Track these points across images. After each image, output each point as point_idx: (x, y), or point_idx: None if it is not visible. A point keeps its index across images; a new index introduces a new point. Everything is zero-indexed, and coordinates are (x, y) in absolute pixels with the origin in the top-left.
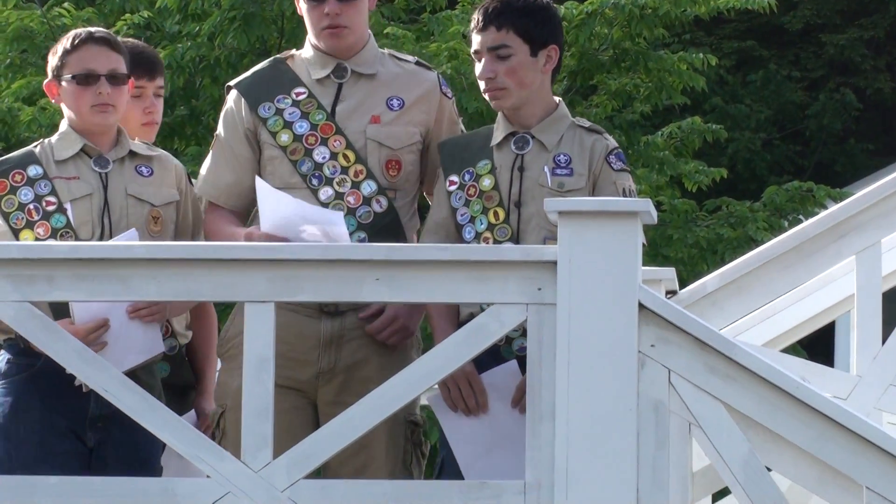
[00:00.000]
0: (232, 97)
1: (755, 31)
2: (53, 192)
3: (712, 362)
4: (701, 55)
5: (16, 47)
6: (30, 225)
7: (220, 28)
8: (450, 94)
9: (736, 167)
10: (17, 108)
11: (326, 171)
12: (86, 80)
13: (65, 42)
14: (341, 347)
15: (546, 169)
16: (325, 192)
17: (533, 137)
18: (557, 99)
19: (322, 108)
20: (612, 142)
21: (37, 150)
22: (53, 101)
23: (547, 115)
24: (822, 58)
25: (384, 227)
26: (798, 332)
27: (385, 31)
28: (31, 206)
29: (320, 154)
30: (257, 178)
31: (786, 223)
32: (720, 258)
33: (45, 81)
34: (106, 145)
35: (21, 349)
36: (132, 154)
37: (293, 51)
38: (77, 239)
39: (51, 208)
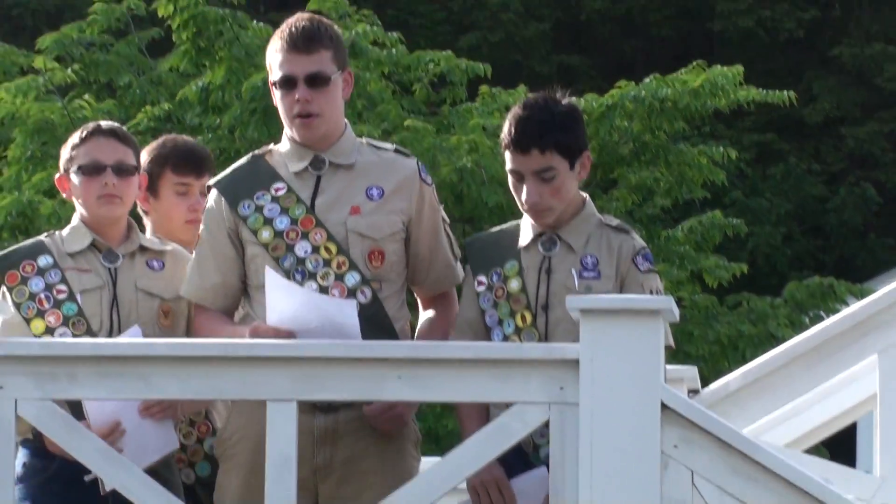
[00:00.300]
0: (212, 196)
1: (775, 124)
2: (64, 281)
3: (735, 463)
4: (721, 149)
5: (36, 140)
6: (40, 314)
7: (240, 121)
8: (429, 181)
9: (756, 262)
10: (38, 200)
11: (309, 266)
12: (92, 170)
13: (75, 136)
14: (336, 443)
15: (574, 272)
16: (309, 287)
17: (560, 238)
18: (584, 195)
19: (301, 202)
20: (639, 242)
21: (46, 240)
22: (65, 195)
23: (575, 215)
24: (842, 151)
25: (369, 318)
26: (821, 433)
27: (405, 124)
28: (42, 295)
29: (302, 248)
30: (267, 269)
31: (807, 319)
32: (741, 355)
33: (57, 176)
34: (115, 240)
35: (38, 450)
36: (143, 248)
37: (272, 146)
38: (89, 327)
39: (62, 296)
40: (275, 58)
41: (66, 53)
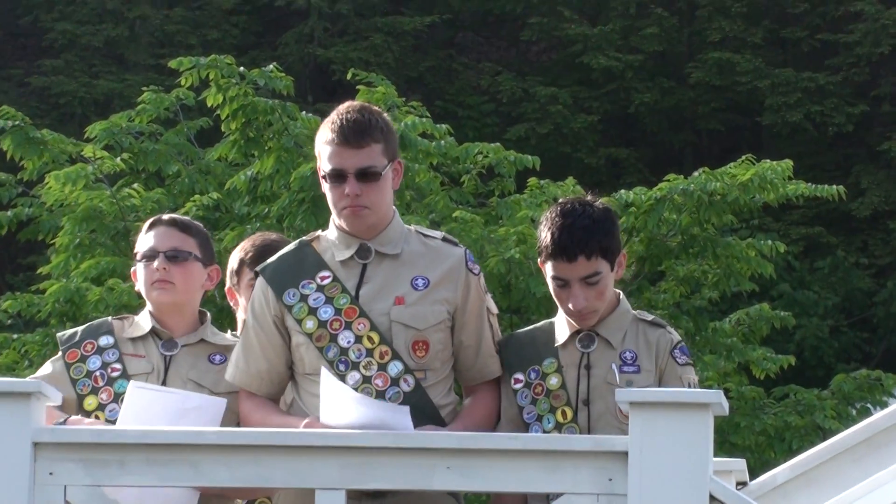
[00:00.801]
0: (259, 284)
1: (823, 218)
2: (120, 360)
3: None
4: (769, 242)
5: (85, 227)
6: (94, 391)
7: (288, 210)
8: (476, 271)
9: (803, 354)
10: (86, 287)
11: (352, 356)
12: (147, 257)
13: (144, 227)
14: None
15: (614, 367)
16: (353, 377)
17: (598, 335)
18: (618, 291)
19: (346, 292)
20: (675, 335)
21: (115, 322)
22: (136, 287)
23: (610, 312)
24: (889, 244)
25: (413, 406)
26: None
27: (454, 215)
28: (98, 374)
29: (345, 339)
30: (323, 371)
31: (854, 412)
32: (788, 446)
33: (132, 269)
34: (178, 329)
35: None
36: (204, 341)
37: (319, 232)
38: None
39: (115, 374)
40: (324, 149)
41: (115, 142)
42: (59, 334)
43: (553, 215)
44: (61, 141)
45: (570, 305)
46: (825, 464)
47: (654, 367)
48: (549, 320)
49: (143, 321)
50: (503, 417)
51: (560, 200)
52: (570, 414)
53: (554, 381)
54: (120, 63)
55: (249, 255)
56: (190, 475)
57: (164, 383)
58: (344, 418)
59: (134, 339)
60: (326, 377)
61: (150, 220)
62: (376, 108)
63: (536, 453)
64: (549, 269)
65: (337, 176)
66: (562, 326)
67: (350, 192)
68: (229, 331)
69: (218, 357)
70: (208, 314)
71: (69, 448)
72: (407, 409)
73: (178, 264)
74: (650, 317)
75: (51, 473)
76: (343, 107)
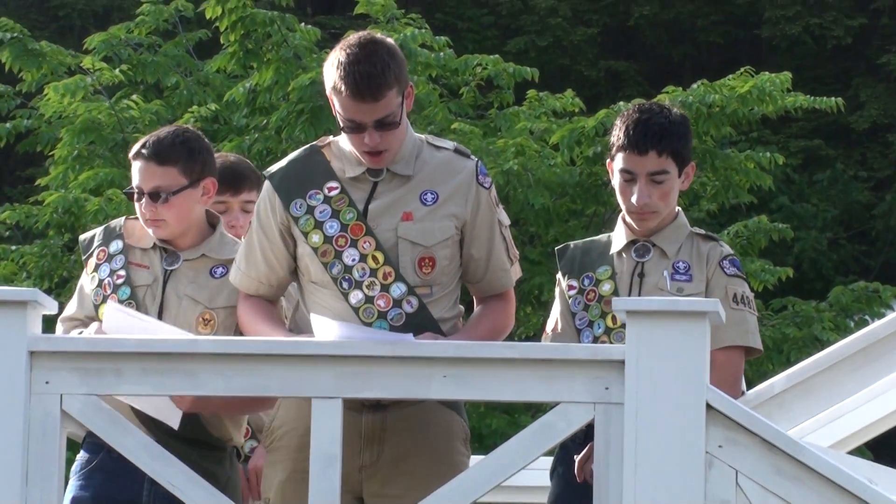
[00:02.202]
0: (267, 189)
1: (822, 131)
2: (125, 268)
3: (780, 464)
4: (768, 154)
5: (84, 139)
6: (105, 300)
7: (287, 122)
8: (487, 184)
9: (802, 267)
10: (84, 198)
11: (356, 275)
12: (135, 196)
13: (132, 150)
14: (384, 442)
15: (665, 274)
16: (356, 296)
17: (653, 245)
18: (678, 208)
19: (353, 207)
20: (726, 248)
21: (128, 224)
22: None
23: (669, 223)
24: (889, 157)
25: (416, 326)
26: (865, 434)
27: (452, 127)
28: (106, 282)
29: (350, 256)
30: (313, 315)
31: (852, 323)
32: (786, 358)
33: None
34: (183, 244)
35: (90, 445)
36: (205, 256)
37: (331, 138)
38: (138, 309)
39: (119, 281)
40: (338, 97)
41: (114, 54)
42: (80, 237)
43: (630, 111)
44: (60, 53)
45: (634, 200)
46: (822, 373)
47: (704, 277)
48: (606, 234)
49: (148, 234)
50: (554, 315)
51: (639, 102)
52: (620, 319)
53: (606, 287)
54: None
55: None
56: (186, 384)
57: (162, 298)
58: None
59: (143, 249)
60: (318, 321)
61: (136, 145)
62: (383, 40)
63: (533, 362)
64: (618, 162)
65: (354, 127)
66: (619, 236)
67: (370, 142)
68: (224, 217)
69: (220, 270)
70: (220, 220)
71: (65, 357)
72: (410, 335)
73: (163, 203)
74: (704, 231)
75: (47, 382)
76: (351, 50)
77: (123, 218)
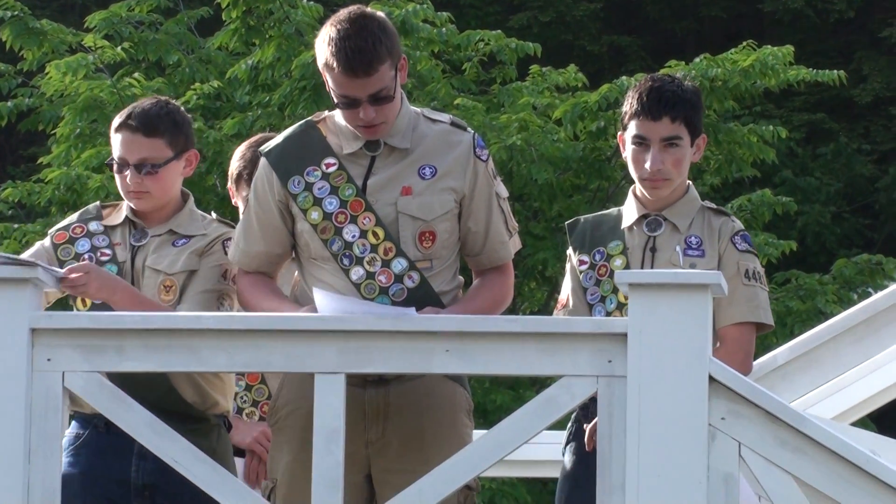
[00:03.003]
0: (263, 166)
1: (825, 104)
2: (111, 247)
3: (782, 435)
4: (771, 127)
5: (86, 117)
6: None
7: (290, 98)
8: (484, 157)
9: (805, 240)
10: (86, 175)
11: (356, 251)
12: (118, 167)
13: (115, 119)
14: (388, 417)
15: (678, 249)
16: (356, 272)
17: (665, 220)
18: (689, 182)
19: (352, 183)
20: (738, 224)
21: (104, 209)
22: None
23: (680, 197)
24: (892, 130)
25: (417, 301)
26: (868, 406)
27: (455, 103)
28: (86, 256)
29: (350, 233)
30: (315, 291)
31: (855, 296)
32: (789, 331)
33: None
34: (154, 220)
35: (80, 421)
36: (172, 232)
37: (326, 113)
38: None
39: (105, 258)
40: (330, 73)
41: (115, 32)
42: (49, 231)
43: (643, 81)
44: (61, 31)
45: (647, 166)
46: (825, 344)
47: (716, 252)
48: (617, 207)
49: (120, 211)
50: (564, 290)
51: (651, 74)
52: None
53: (618, 262)
54: None
55: (247, 171)
56: (189, 360)
57: (132, 274)
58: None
59: (113, 227)
60: (320, 295)
61: (119, 116)
62: (373, 14)
63: (535, 336)
64: (631, 129)
65: (349, 103)
66: (630, 210)
67: (365, 116)
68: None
69: (181, 241)
70: (190, 197)
71: (67, 334)
72: (412, 309)
73: (149, 175)
74: (715, 206)
75: (49, 360)
76: (342, 25)
77: (98, 203)
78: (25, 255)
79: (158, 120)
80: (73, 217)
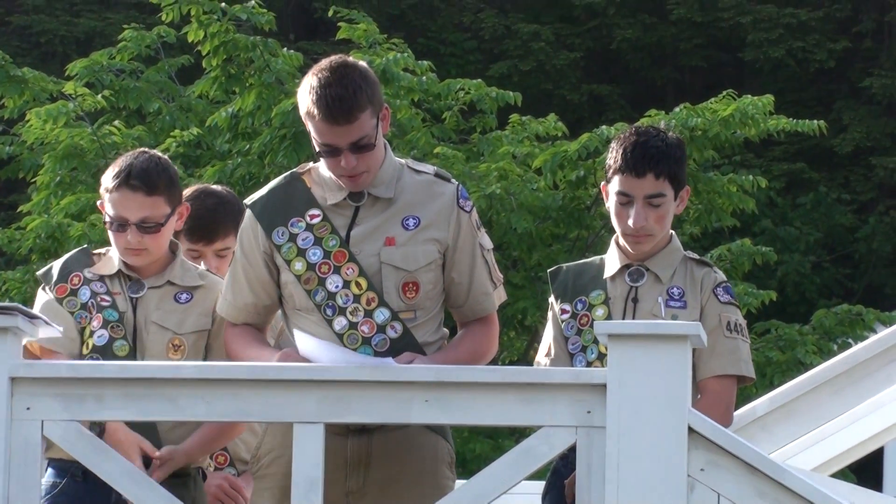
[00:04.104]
0: (248, 218)
1: (805, 154)
2: (109, 294)
3: (762, 487)
4: (751, 177)
5: (66, 165)
6: (91, 322)
7: (270, 147)
8: (468, 207)
9: (785, 290)
10: (67, 223)
11: (339, 301)
12: (118, 227)
13: (108, 176)
14: (369, 466)
15: (660, 300)
16: (339, 322)
17: (647, 270)
18: (671, 232)
19: (336, 234)
20: (720, 275)
21: (94, 256)
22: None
23: (662, 248)
24: (871, 181)
25: (400, 351)
26: (848, 457)
27: (435, 151)
28: (90, 303)
29: (333, 283)
30: (297, 333)
31: (835, 347)
32: (769, 381)
33: (99, 202)
34: (147, 272)
35: (56, 468)
36: (171, 283)
37: (310, 164)
38: (126, 334)
39: (105, 303)
40: (312, 121)
41: (96, 80)
42: (38, 273)
43: (627, 134)
44: (42, 79)
45: (630, 222)
46: (805, 396)
47: (698, 303)
48: (599, 256)
49: (114, 258)
50: (546, 340)
51: (635, 125)
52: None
53: (600, 312)
54: (101, 1)
55: (186, 225)
56: (168, 409)
57: (133, 326)
58: (323, 358)
59: (109, 277)
60: (301, 337)
61: (117, 173)
62: (355, 63)
63: (515, 386)
64: (614, 185)
65: (330, 151)
66: (612, 260)
67: (346, 164)
68: (201, 263)
69: (185, 296)
70: (179, 247)
71: (46, 383)
72: (390, 360)
73: (149, 233)
74: (697, 256)
75: (28, 408)
76: (322, 74)
77: (84, 247)
78: (39, 306)
79: (158, 178)
80: (66, 261)
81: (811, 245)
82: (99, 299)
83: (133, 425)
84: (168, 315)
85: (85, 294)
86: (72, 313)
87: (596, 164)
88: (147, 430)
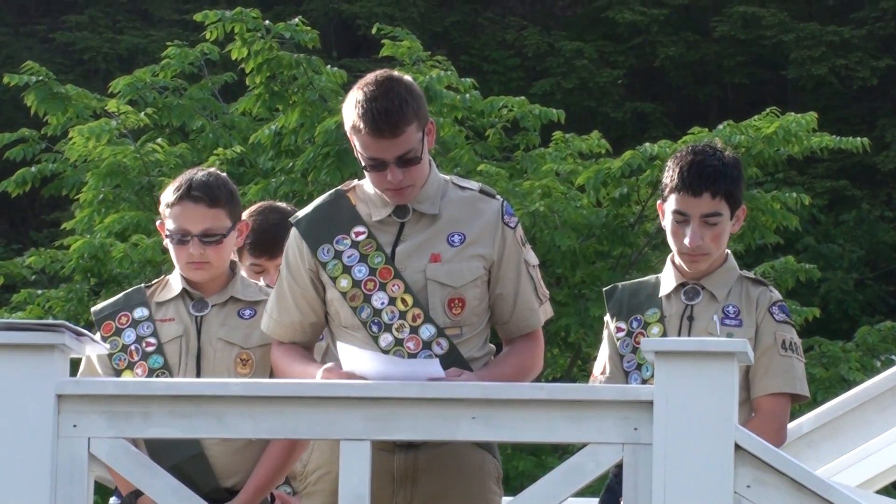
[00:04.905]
0: (294, 236)
1: (848, 171)
2: (154, 334)
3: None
4: (794, 194)
5: (109, 183)
6: (130, 366)
7: (313, 164)
8: (513, 224)
9: (828, 307)
10: (110, 243)
11: (385, 318)
12: (179, 240)
13: (169, 191)
14: (417, 482)
15: (715, 318)
16: (385, 339)
17: (703, 288)
18: (727, 251)
19: (381, 250)
20: (776, 294)
21: (148, 290)
22: (165, 241)
23: (718, 266)
24: None
25: (446, 368)
26: (893, 474)
27: (478, 169)
28: (133, 348)
29: (378, 300)
30: (339, 345)
31: (878, 363)
32: (813, 398)
33: (158, 222)
34: (210, 290)
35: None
36: (234, 299)
37: (355, 182)
38: (170, 366)
39: (150, 349)
40: (356, 134)
41: (139, 97)
42: (93, 309)
43: (684, 153)
44: (85, 96)
45: (687, 241)
46: (850, 412)
47: (754, 322)
48: (655, 275)
49: (174, 282)
50: (601, 358)
51: (691, 143)
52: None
53: (655, 330)
54: (144, 18)
55: (249, 240)
56: (215, 427)
57: (198, 346)
58: (368, 371)
59: (163, 304)
60: (345, 349)
61: (178, 186)
62: (400, 78)
63: (562, 403)
64: (671, 204)
65: (376, 165)
66: (668, 278)
67: (393, 179)
68: (262, 279)
69: (248, 312)
70: (238, 265)
71: (93, 400)
72: (436, 360)
73: (211, 245)
74: (753, 276)
75: (74, 426)
76: (368, 88)
77: (142, 285)
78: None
79: (219, 191)
80: (118, 300)
81: (854, 262)
82: (144, 344)
83: (177, 440)
84: (234, 331)
85: (129, 336)
86: (111, 354)
87: (639, 182)
88: (191, 445)
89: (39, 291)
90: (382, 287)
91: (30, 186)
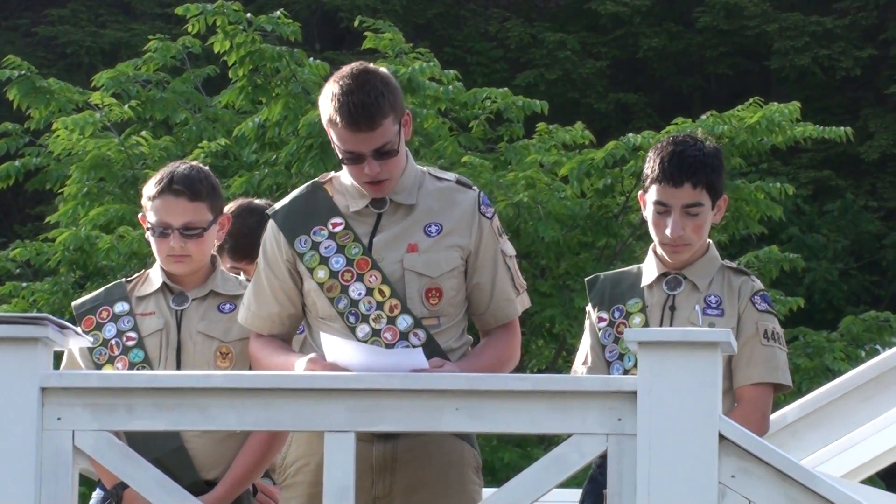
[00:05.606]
0: (271, 228)
1: (832, 161)
2: (135, 328)
3: (793, 493)
4: (778, 185)
5: (93, 176)
6: (111, 360)
7: (297, 156)
8: (489, 214)
9: (813, 297)
10: (95, 235)
11: (362, 308)
12: (160, 233)
13: (150, 184)
14: (395, 472)
15: (697, 308)
16: (362, 330)
17: (685, 278)
18: (709, 241)
19: (358, 241)
20: (758, 283)
21: (129, 285)
22: (147, 234)
23: (700, 256)
24: None
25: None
26: (878, 464)
27: (462, 160)
28: (113, 342)
29: (356, 290)
30: (323, 335)
31: (863, 353)
32: (797, 388)
33: (140, 215)
34: (190, 284)
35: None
36: (214, 293)
37: (332, 174)
38: (151, 359)
39: (130, 343)
40: (334, 129)
41: (123, 90)
42: (74, 304)
43: (664, 144)
44: (68, 90)
45: (668, 232)
46: (834, 402)
47: (736, 312)
48: (637, 265)
49: (154, 276)
50: (583, 348)
51: (672, 134)
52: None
53: (637, 320)
54: (127, 12)
55: (228, 244)
56: (199, 419)
57: (178, 339)
58: (352, 362)
59: (143, 298)
60: (328, 339)
61: (160, 180)
62: (376, 70)
63: (545, 394)
64: (652, 194)
65: (353, 158)
66: (650, 268)
67: (370, 171)
68: (241, 274)
69: (227, 306)
70: (218, 259)
71: (77, 393)
72: (419, 350)
73: (192, 239)
74: (735, 265)
75: (59, 419)
76: (344, 81)
77: (123, 280)
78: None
79: (200, 184)
80: (99, 295)
81: (838, 252)
82: (125, 338)
83: (158, 434)
84: (214, 325)
85: (110, 331)
86: (91, 349)
87: (623, 173)
88: (171, 438)
89: (24, 284)
90: (360, 278)
91: (13, 180)
